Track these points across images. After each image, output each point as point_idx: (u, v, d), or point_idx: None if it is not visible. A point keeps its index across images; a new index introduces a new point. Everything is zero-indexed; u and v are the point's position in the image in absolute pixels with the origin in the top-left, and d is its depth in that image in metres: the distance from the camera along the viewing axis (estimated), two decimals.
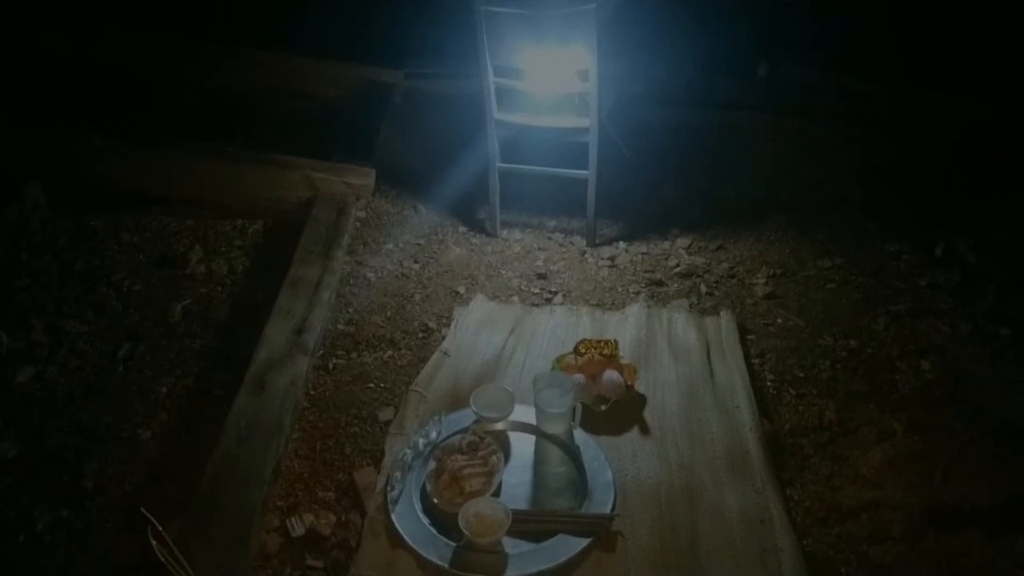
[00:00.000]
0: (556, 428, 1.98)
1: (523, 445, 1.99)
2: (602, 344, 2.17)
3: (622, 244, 2.85)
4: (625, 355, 2.21)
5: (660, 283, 2.65)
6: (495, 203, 2.89)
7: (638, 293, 2.60)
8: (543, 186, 2.99)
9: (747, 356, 2.30)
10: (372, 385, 2.23)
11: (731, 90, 4.07)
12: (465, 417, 2.04)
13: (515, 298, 2.59)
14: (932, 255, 2.75)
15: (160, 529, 1.39)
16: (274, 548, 1.73)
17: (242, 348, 2.26)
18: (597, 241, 2.86)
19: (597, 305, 2.54)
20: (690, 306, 2.52)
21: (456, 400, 2.12)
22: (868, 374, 2.24)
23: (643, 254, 2.80)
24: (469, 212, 3.08)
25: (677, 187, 3.21)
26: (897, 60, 3.78)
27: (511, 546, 1.71)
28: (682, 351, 2.29)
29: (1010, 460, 1.91)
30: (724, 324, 2.41)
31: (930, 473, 1.90)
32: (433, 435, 1.98)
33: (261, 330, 2.25)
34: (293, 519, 1.77)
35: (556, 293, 2.61)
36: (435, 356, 2.29)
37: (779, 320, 2.49)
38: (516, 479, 1.90)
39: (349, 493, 1.87)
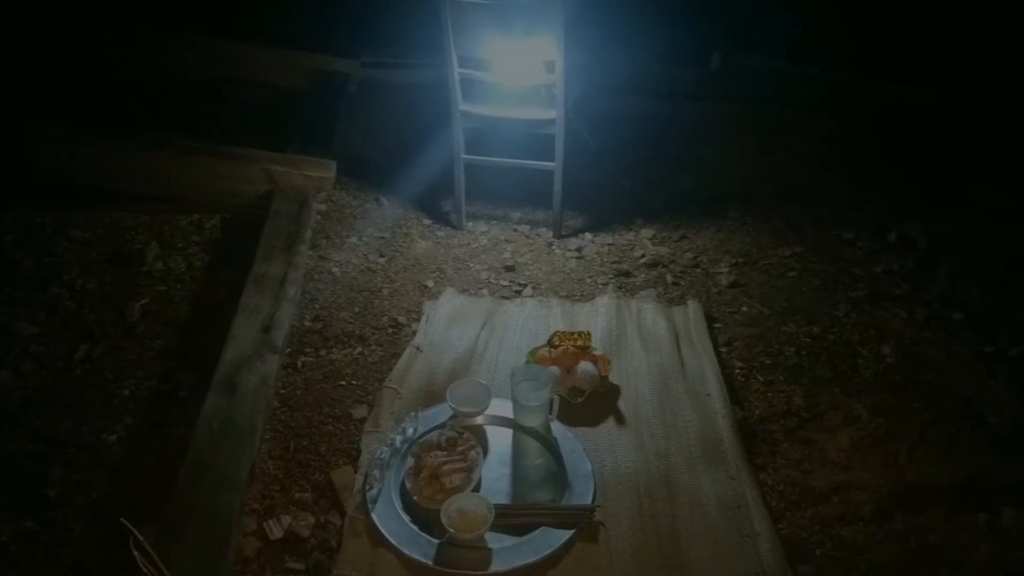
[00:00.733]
0: (534, 421, 1.99)
1: (501, 439, 1.99)
2: (575, 336, 2.18)
3: (588, 235, 2.87)
4: (597, 346, 2.22)
5: (627, 274, 2.68)
6: (460, 195, 2.87)
7: (606, 284, 2.62)
8: (508, 178, 2.99)
9: (715, 344, 2.34)
10: (344, 382, 2.19)
11: (687, 80, 4.12)
12: (441, 412, 2.03)
13: (485, 291, 2.58)
14: (886, 241, 2.84)
15: (141, 540, 1.34)
16: (252, 552, 1.69)
17: (206, 347, 2.21)
18: (563, 232, 2.87)
19: (567, 297, 2.55)
20: (657, 296, 2.55)
21: (431, 396, 2.10)
22: (832, 360, 2.30)
23: (609, 245, 2.82)
24: (433, 204, 3.06)
25: (639, 177, 3.25)
26: (847, 49, 3.88)
27: (494, 541, 1.71)
28: (652, 341, 2.32)
29: (968, 440, 2.00)
30: (691, 313, 2.44)
31: (895, 455, 1.96)
32: (410, 432, 1.96)
33: (225, 328, 2.19)
34: (271, 522, 1.74)
35: (525, 285, 2.61)
36: (407, 351, 2.27)
37: (744, 308, 2.53)
38: (495, 473, 1.89)
39: (327, 493, 1.85)
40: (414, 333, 2.37)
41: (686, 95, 3.92)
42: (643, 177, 3.24)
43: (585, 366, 2.09)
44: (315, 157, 2.99)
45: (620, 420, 2.05)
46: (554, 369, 2.07)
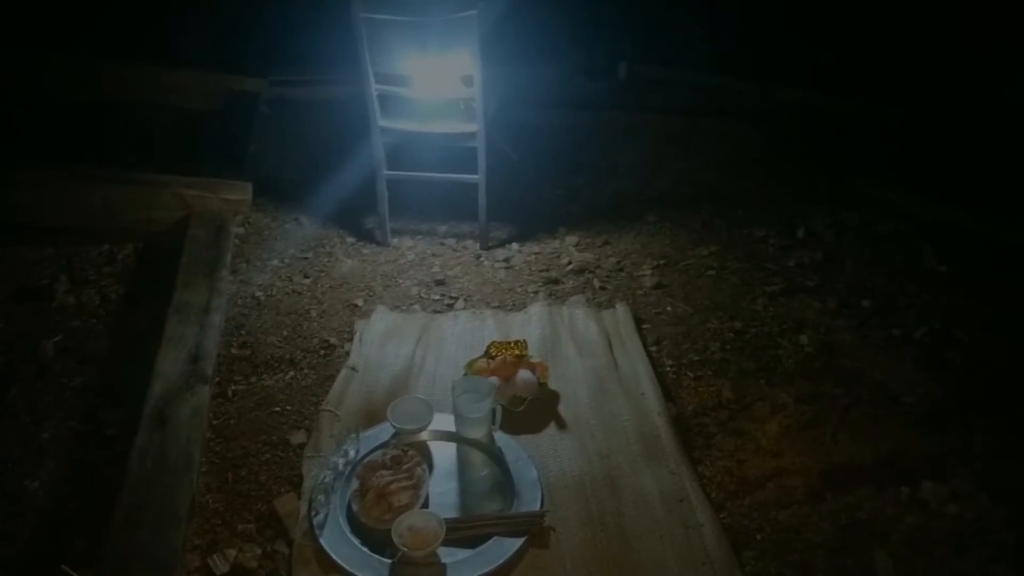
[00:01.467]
0: (477, 433, 1.99)
1: (446, 453, 1.98)
2: (512, 345, 2.20)
3: (515, 245, 2.90)
4: (534, 354, 2.25)
5: (556, 281, 2.72)
6: (384, 211, 2.86)
7: (537, 292, 2.65)
8: (431, 191, 2.99)
9: (645, 345, 2.41)
10: (278, 409, 2.14)
11: (597, 91, 4.25)
12: (383, 432, 2.01)
13: (416, 306, 2.58)
14: (795, 237, 2.99)
15: None
16: None
17: (129, 382, 2.12)
18: (490, 244, 2.89)
19: (499, 307, 2.57)
20: (587, 301, 2.61)
21: (371, 416, 2.08)
22: (755, 352, 2.41)
23: (536, 254, 2.87)
24: (356, 221, 3.03)
25: (558, 187, 3.32)
26: (749, 57, 4.09)
27: (447, 555, 1.71)
28: (586, 345, 2.36)
29: (886, 419, 2.13)
30: (621, 316, 2.50)
31: (820, 439, 2.07)
32: (352, 454, 1.94)
33: (148, 361, 2.11)
34: (215, 556, 1.68)
35: (457, 298, 2.62)
36: (343, 373, 2.24)
37: (669, 308, 2.62)
38: (442, 488, 1.89)
39: (271, 523, 1.80)
40: (347, 354, 2.34)
41: (597, 105, 4.04)
42: (563, 186, 3.31)
43: (524, 374, 2.11)
44: (229, 179, 2.91)
45: (561, 425, 2.08)
46: (493, 380, 2.08)
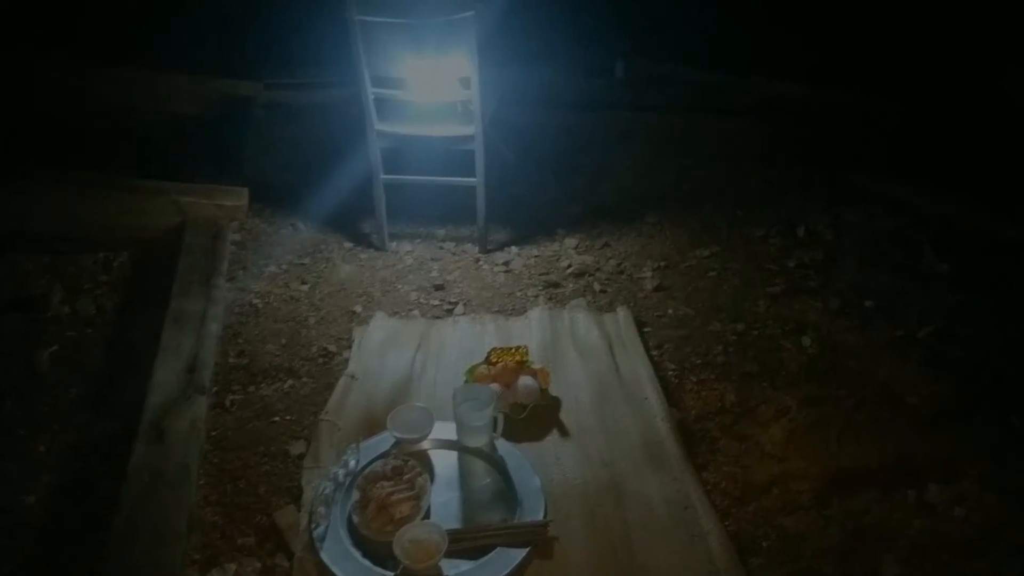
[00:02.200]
0: (478, 441, 1.97)
1: (447, 463, 1.96)
2: (513, 351, 2.18)
3: (514, 249, 2.88)
4: (535, 359, 2.23)
5: (556, 284, 2.70)
6: (381, 216, 2.83)
7: (536, 296, 2.63)
8: (429, 195, 2.96)
9: (647, 348, 2.38)
10: (277, 419, 2.12)
11: (594, 90, 4.22)
12: (383, 441, 1.98)
13: (416, 312, 2.55)
14: (796, 236, 2.96)
15: None
16: None
17: (126, 393, 2.09)
18: (489, 247, 2.87)
19: (499, 312, 2.55)
20: (587, 305, 2.58)
21: (371, 425, 2.06)
22: (758, 355, 2.39)
23: (535, 257, 2.84)
24: (353, 226, 3.00)
25: (557, 188, 3.29)
26: (746, 54, 4.06)
27: (450, 567, 1.69)
28: (587, 350, 2.34)
29: (891, 421, 2.11)
30: (622, 319, 2.48)
31: (826, 442, 2.05)
32: (352, 464, 1.91)
33: (146, 372, 2.09)
34: (215, 571, 1.66)
35: (456, 303, 2.59)
36: (342, 381, 2.21)
37: (670, 311, 2.60)
38: (444, 498, 1.87)
39: (271, 536, 1.77)
40: (346, 361, 2.31)
41: (595, 105, 4.01)
42: (562, 188, 3.28)
43: (526, 381, 2.09)
44: (226, 185, 2.89)
45: (564, 432, 2.06)
46: (495, 387, 2.06)
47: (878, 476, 1.95)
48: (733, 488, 1.94)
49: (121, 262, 2.70)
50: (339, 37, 2.50)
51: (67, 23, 3.40)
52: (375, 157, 2.73)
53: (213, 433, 2.04)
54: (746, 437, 2.09)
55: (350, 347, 2.37)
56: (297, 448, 2.02)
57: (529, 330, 2.40)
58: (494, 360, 2.16)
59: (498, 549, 1.72)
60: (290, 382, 2.25)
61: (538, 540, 1.75)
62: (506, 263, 2.80)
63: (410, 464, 1.87)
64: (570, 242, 2.93)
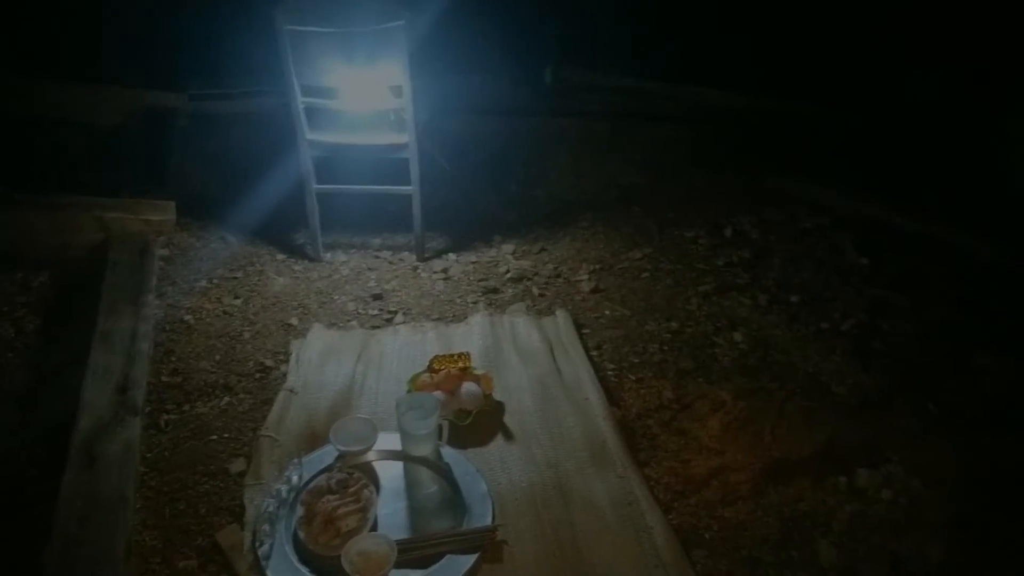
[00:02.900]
0: (424, 449, 1.97)
1: (393, 473, 1.95)
2: (455, 358, 2.18)
3: (452, 256, 2.88)
4: (477, 365, 2.24)
5: (495, 290, 2.71)
6: (315, 226, 2.80)
7: (476, 302, 2.64)
8: (363, 204, 2.94)
9: (587, 350, 2.42)
10: (215, 437, 2.07)
11: (525, 97, 4.27)
12: (326, 455, 1.96)
13: (354, 323, 2.53)
14: (724, 237, 3.06)
15: None
16: None
17: (53, 418, 2.01)
18: (427, 255, 2.86)
19: (439, 319, 2.55)
20: (527, 309, 2.61)
21: (313, 439, 2.03)
22: (692, 352, 2.46)
23: (473, 263, 2.85)
24: (286, 237, 2.95)
25: (492, 195, 3.31)
26: (675, 60, 4.18)
27: None
28: (529, 354, 2.36)
29: (820, 411, 2.20)
30: (561, 322, 2.52)
31: (760, 434, 2.13)
32: (295, 479, 1.88)
33: (74, 394, 2.01)
34: None
35: (396, 312, 2.58)
36: (281, 396, 2.17)
37: (607, 312, 2.64)
38: (391, 508, 1.86)
39: (215, 557, 1.73)
40: (284, 376, 2.28)
41: (527, 112, 4.05)
42: (497, 194, 3.31)
43: (469, 387, 2.10)
44: (151, 199, 2.80)
45: (509, 436, 2.08)
46: (438, 394, 2.06)
47: (810, 464, 2.03)
48: (675, 482, 1.99)
49: (42, 281, 2.59)
50: (268, 46, 2.46)
51: None
52: (307, 167, 2.69)
53: (148, 455, 1.98)
54: (685, 432, 2.15)
55: (288, 361, 2.33)
56: (237, 466, 1.98)
57: (470, 336, 2.41)
58: (436, 368, 2.16)
59: (448, 556, 1.72)
60: (227, 399, 2.20)
61: (487, 545, 1.76)
62: (444, 270, 2.80)
63: (355, 476, 1.85)
64: (507, 248, 2.96)
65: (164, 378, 2.25)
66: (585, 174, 3.54)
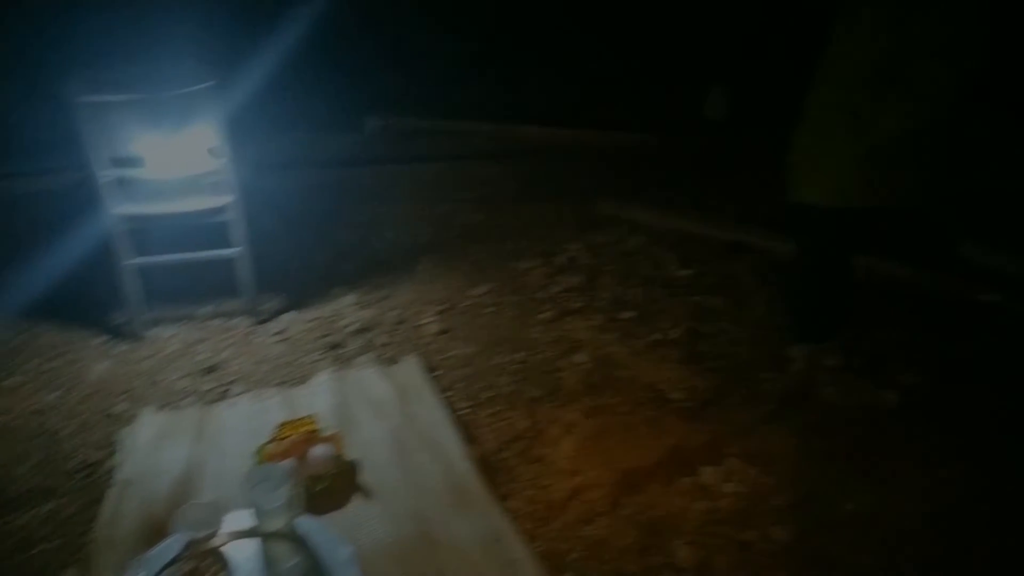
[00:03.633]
0: (278, 523, 1.86)
1: (247, 554, 1.84)
2: (301, 422, 2.11)
3: (289, 315, 2.80)
4: (326, 426, 2.18)
5: (338, 345, 2.66)
6: (135, 303, 2.63)
7: (320, 360, 2.58)
8: (188, 272, 2.79)
9: (439, 392, 2.43)
10: (41, 547, 1.88)
11: (350, 146, 4.28)
12: (171, 547, 1.81)
13: (188, 400, 2.39)
14: (558, 265, 3.18)
15: None
16: None
17: None
18: (262, 318, 2.76)
19: (282, 384, 2.46)
20: (374, 360, 2.58)
21: (154, 532, 1.88)
22: (540, 379, 2.52)
23: (313, 320, 2.79)
24: (103, 319, 2.76)
25: (327, 247, 3.26)
26: (497, 100, 4.35)
27: None
28: (380, 406, 2.33)
29: (662, 418, 2.33)
30: (411, 369, 2.51)
31: (610, 449, 2.21)
32: None
33: None
34: None
35: (233, 383, 2.46)
36: (113, 491, 2.01)
37: (456, 352, 2.66)
38: None
39: None
40: (116, 468, 2.11)
41: (353, 161, 4.06)
42: (332, 246, 3.26)
43: (319, 450, 2.03)
44: None
45: (367, 494, 2.03)
46: (287, 463, 1.98)
47: (659, 470, 2.14)
48: (536, 510, 2.03)
49: None
50: (66, 118, 2.31)
51: None
52: (120, 242, 2.53)
53: None
54: (541, 459, 2.20)
55: (117, 452, 2.16)
56: None
57: (316, 397, 2.34)
58: (282, 435, 2.07)
59: None
60: (50, 504, 2.00)
61: None
62: (282, 331, 2.71)
63: (206, 563, 1.73)
64: (348, 300, 2.91)
65: None
66: (421, 217, 3.58)
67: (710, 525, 1.98)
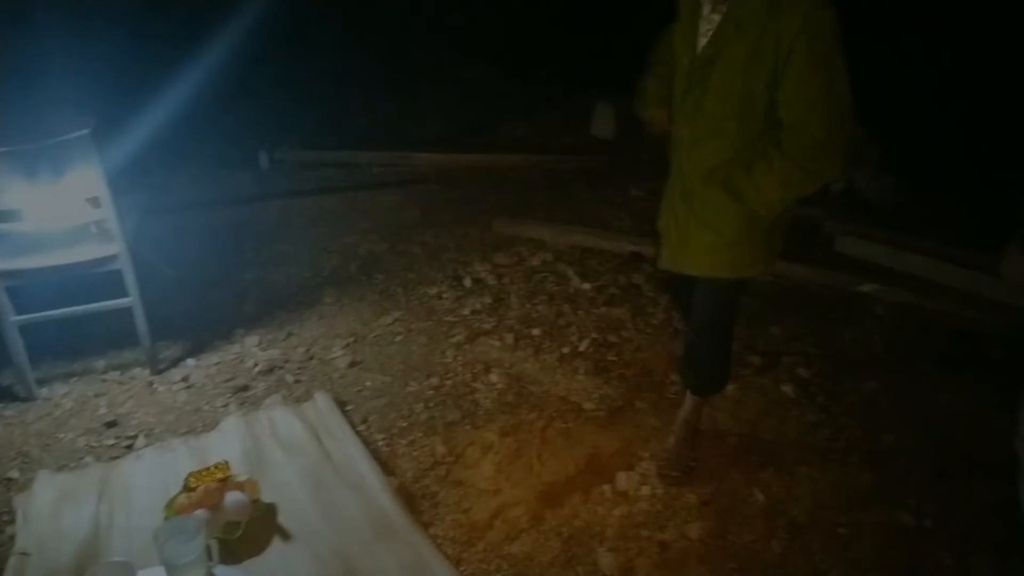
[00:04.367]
0: None
1: None
2: (213, 470, 2.05)
3: (191, 361, 2.71)
4: (239, 471, 2.12)
5: (245, 388, 2.60)
6: (22, 362, 2.49)
7: (226, 405, 2.51)
8: (79, 325, 2.66)
9: (353, 426, 2.40)
10: None
11: (244, 183, 4.19)
12: None
13: (89, 459, 2.27)
14: (465, 287, 3.21)
15: None
16: None
17: None
18: (161, 367, 2.66)
19: (188, 433, 2.38)
20: (284, 399, 2.53)
21: None
22: (456, 402, 2.54)
23: (216, 364, 2.71)
24: None
25: (227, 288, 3.18)
26: (385, 128, 4.36)
27: None
28: (293, 445, 2.29)
29: (577, 429, 2.38)
30: (322, 405, 2.47)
31: (529, 464, 2.25)
32: None
33: None
34: None
35: (135, 436, 2.36)
36: (11, 562, 1.90)
37: (368, 383, 2.65)
38: None
39: None
40: (11, 539, 1.99)
41: (249, 197, 3.98)
42: (232, 286, 3.18)
43: (233, 497, 1.98)
44: None
45: (286, 537, 1.99)
46: (200, 513, 1.92)
47: (578, 480, 2.19)
48: (460, 534, 2.04)
49: None
50: None
51: None
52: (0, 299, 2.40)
53: None
54: (462, 482, 2.21)
55: (13, 521, 2.04)
56: None
57: (226, 443, 2.28)
58: (193, 485, 2.01)
59: None
60: None
61: None
62: (185, 378, 2.62)
63: None
64: (251, 340, 2.85)
65: None
66: (322, 250, 3.54)
67: (630, 529, 2.05)
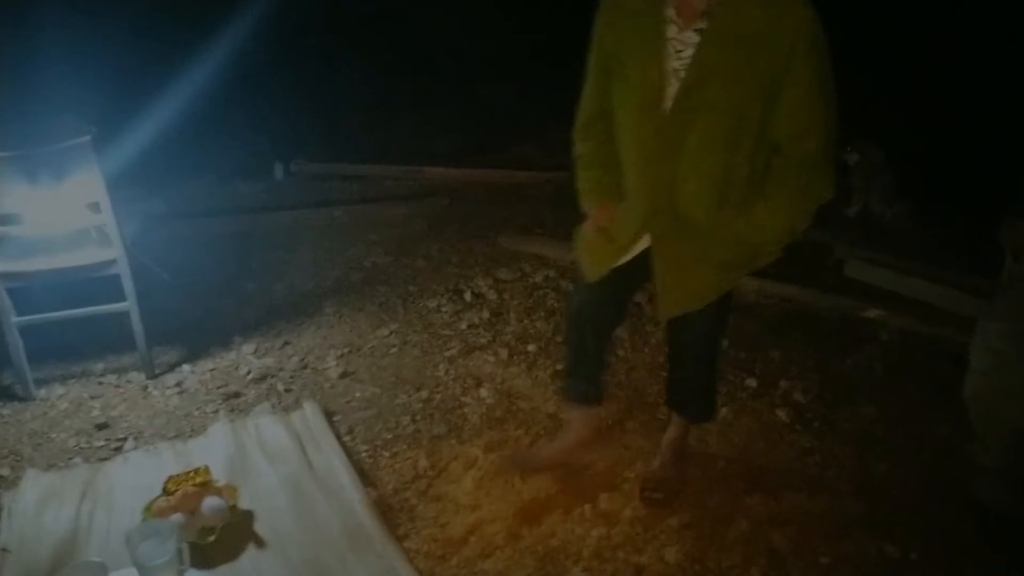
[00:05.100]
0: None
1: None
2: (192, 474, 2.07)
3: (186, 367, 2.74)
4: (220, 476, 2.14)
5: (237, 394, 2.62)
6: (21, 362, 2.54)
7: (216, 411, 2.53)
8: (78, 328, 2.71)
9: (339, 437, 2.41)
10: None
11: (256, 194, 4.26)
12: None
13: (77, 459, 2.31)
14: (465, 301, 3.22)
15: None
16: None
17: None
18: (157, 372, 2.70)
19: (176, 437, 2.40)
20: (272, 407, 2.55)
21: None
22: (443, 416, 2.53)
23: (211, 370, 2.74)
24: None
25: (227, 296, 3.22)
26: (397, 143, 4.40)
27: None
28: (276, 453, 2.30)
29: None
30: (309, 414, 2.48)
31: (511, 481, 2.23)
32: None
33: None
34: None
35: (125, 439, 2.39)
36: None
37: (358, 394, 2.65)
38: None
39: None
40: None
41: (260, 208, 4.03)
42: (233, 294, 3.22)
43: (211, 502, 1.99)
44: None
45: (261, 544, 1.99)
46: (176, 516, 1.94)
47: (559, 499, 2.16)
48: (435, 548, 2.02)
49: None
50: None
51: None
52: (2, 301, 2.45)
53: None
54: (441, 497, 2.20)
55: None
56: None
57: (210, 448, 2.30)
58: (172, 488, 2.03)
59: None
60: None
61: None
62: (179, 383, 2.65)
63: None
64: (247, 348, 2.87)
65: None
66: (326, 261, 3.57)
67: (606, 550, 2.01)
